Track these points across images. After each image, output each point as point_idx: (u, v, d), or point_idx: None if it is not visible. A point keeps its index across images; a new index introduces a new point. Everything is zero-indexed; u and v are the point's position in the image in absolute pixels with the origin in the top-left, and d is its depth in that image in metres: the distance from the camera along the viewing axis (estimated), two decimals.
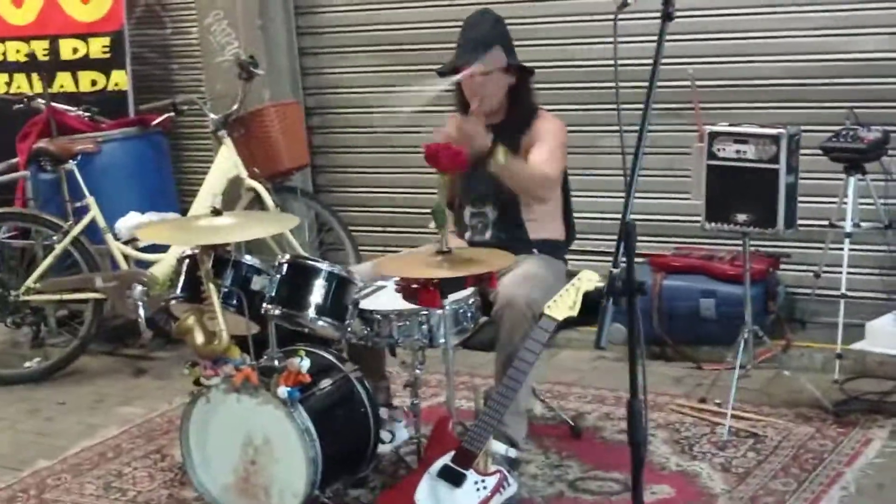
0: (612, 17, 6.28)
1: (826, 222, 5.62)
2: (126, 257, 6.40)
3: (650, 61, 3.41)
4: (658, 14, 3.34)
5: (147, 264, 6.42)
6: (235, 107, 6.47)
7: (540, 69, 6.31)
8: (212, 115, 6.51)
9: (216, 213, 4.23)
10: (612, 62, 6.21)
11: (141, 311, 6.22)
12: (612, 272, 2.98)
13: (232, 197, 6.42)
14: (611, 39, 6.21)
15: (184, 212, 6.83)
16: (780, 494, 4.36)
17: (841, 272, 5.42)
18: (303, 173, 7.25)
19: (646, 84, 3.25)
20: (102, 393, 6.06)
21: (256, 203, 6.40)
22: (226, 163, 6.46)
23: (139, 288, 6.22)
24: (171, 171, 7.30)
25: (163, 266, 6.37)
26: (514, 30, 4.91)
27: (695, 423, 5.08)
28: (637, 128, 6.49)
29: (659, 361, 5.82)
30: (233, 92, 6.70)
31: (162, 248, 6.38)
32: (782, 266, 6.08)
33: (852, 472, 4.51)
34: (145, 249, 6.44)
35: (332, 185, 7.58)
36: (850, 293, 5.44)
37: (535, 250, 4.76)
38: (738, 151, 4.93)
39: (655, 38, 3.34)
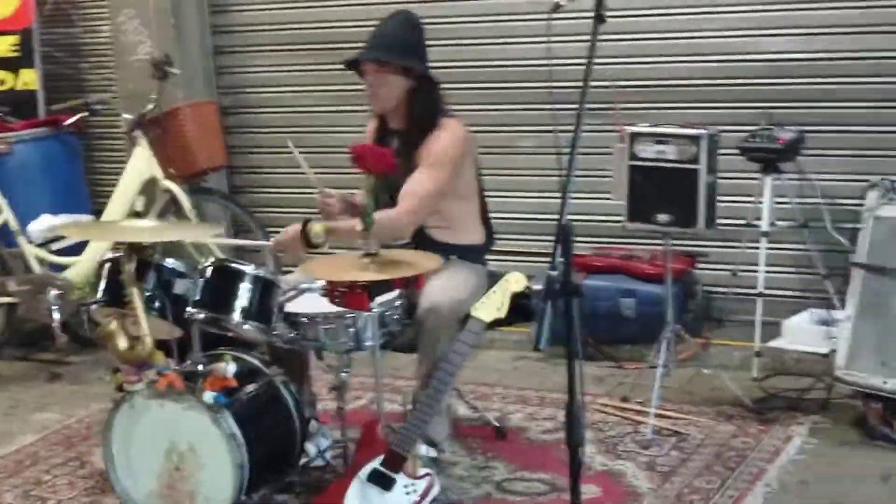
0: (529, 17, 6.36)
1: (742, 221, 5.68)
2: (40, 260, 6.29)
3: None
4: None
5: (61, 268, 6.32)
6: (150, 106, 6.39)
7: (457, 69, 6.37)
8: (126, 115, 6.41)
9: (137, 215, 4.17)
10: (528, 63, 6.39)
11: (55, 315, 6.11)
12: (549, 274, 2.98)
13: (147, 198, 6.33)
14: (528, 40, 6.39)
15: (96, 213, 6.73)
16: (705, 492, 4.39)
17: (758, 271, 5.48)
18: (218, 174, 7.18)
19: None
20: (17, 399, 5.94)
21: (172, 204, 6.31)
22: (141, 163, 6.37)
23: (53, 292, 6.12)
24: (83, 173, 7.17)
25: (77, 269, 6.28)
26: (429, 29, 4.87)
27: (618, 423, 5.10)
28: (553, 128, 6.54)
29: (583, 361, 5.83)
30: (146, 91, 6.60)
31: (77, 251, 6.30)
32: (699, 265, 6.15)
33: (775, 469, 4.57)
34: (59, 252, 6.35)
35: (249, 186, 7.52)
36: (767, 291, 5.50)
37: (452, 256, 4.71)
38: (658, 152, 4.97)
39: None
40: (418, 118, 4.68)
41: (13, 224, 6.22)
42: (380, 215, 4.28)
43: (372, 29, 4.76)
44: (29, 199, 6.47)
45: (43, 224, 6.39)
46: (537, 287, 3.06)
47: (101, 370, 6.22)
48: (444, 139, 4.62)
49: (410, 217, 4.54)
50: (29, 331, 6.65)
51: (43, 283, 6.16)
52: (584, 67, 3.64)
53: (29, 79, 7.36)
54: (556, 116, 6.25)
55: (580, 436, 3.05)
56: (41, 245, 6.34)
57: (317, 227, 4.35)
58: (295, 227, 4.45)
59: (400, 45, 4.66)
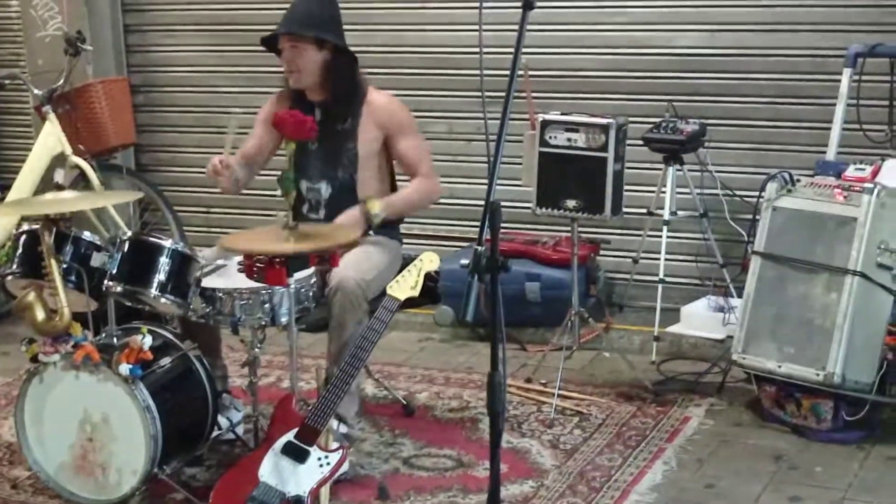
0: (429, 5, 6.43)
1: (644, 210, 5.84)
2: None
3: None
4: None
5: None
6: (61, 82, 6.36)
7: (370, 54, 6.43)
8: (35, 91, 6.36)
9: (59, 188, 4.19)
10: (431, 49, 6.49)
11: None
12: (476, 249, 3.09)
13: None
14: (431, 27, 6.50)
15: (3, 188, 6.68)
16: (607, 469, 4.54)
17: (659, 258, 5.65)
18: (125, 152, 7.16)
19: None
20: None
21: (81, 180, 6.29)
22: (50, 139, 6.32)
23: None
24: None
25: None
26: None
27: (522, 403, 5.23)
28: (462, 115, 6.59)
29: (484, 343, 5.96)
30: (55, 67, 6.58)
31: None
32: (602, 252, 6.29)
33: (673, 448, 4.73)
34: None
35: (157, 164, 7.51)
36: (667, 278, 5.68)
37: (370, 232, 4.82)
38: (569, 139, 5.10)
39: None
40: (339, 89, 4.82)
41: None
42: (416, 190, 4.90)
43: (287, 6, 4.86)
44: None
45: None
46: (465, 262, 3.18)
47: (3, 345, 6.20)
48: (397, 107, 4.94)
49: (436, 176, 4.99)
50: None
51: None
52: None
53: None
54: (468, 103, 6.37)
55: (501, 403, 3.14)
56: None
57: (376, 206, 4.72)
58: (355, 212, 4.73)
59: (313, 19, 4.77)
